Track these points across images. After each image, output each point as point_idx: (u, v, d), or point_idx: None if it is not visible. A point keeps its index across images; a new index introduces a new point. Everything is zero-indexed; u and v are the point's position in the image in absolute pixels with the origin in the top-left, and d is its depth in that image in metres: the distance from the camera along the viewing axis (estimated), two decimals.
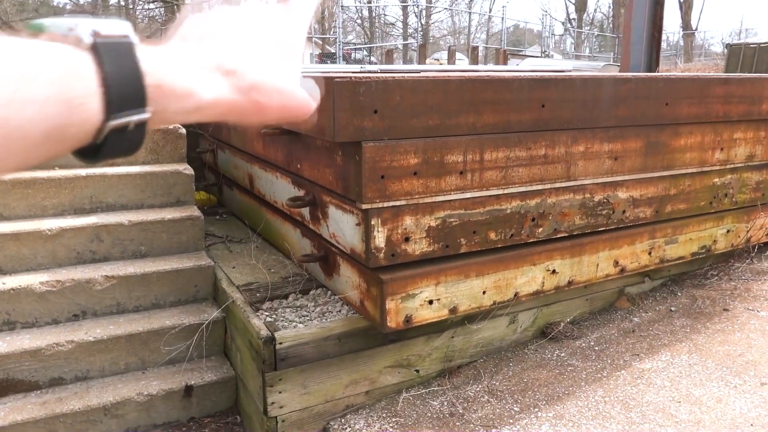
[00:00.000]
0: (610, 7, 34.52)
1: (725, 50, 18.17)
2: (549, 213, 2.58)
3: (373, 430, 2.30)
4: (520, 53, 21.93)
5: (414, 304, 2.28)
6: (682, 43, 31.90)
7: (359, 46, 28.39)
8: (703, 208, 3.16)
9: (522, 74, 2.47)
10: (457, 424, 2.30)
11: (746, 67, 14.45)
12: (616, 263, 2.86)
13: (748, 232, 3.45)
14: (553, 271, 2.65)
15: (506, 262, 2.50)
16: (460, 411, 2.37)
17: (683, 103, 2.84)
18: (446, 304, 2.37)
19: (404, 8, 31.63)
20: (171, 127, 3.35)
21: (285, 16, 0.59)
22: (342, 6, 23.74)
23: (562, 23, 36.86)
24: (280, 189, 3.00)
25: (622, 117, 2.66)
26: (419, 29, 28.11)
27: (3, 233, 2.76)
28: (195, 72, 0.50)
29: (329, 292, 2.65)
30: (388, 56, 20.13)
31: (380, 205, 2.15)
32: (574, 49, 30.87)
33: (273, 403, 2.28)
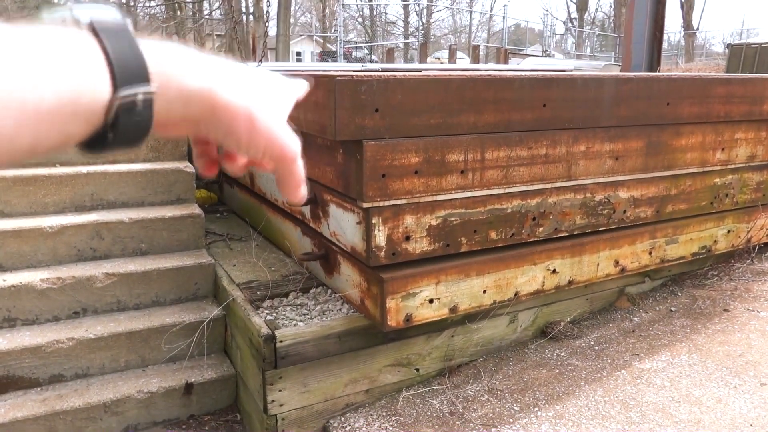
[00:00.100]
0: (611, 6, 34.49)
1: (726, 50, 18.16)
2: (550, 212, 2.58)
3: (372, 428, 2.31)
4: (521, 52, 21.92)
5: (414, 303, 2.29)
6: (683, 42, 31.90)
7: (360, 45, 28.37)
8: (703, 208, 3.16)
9: (523, 74, 2.47)
10: (457, 423, 2.30)
11: (747, 67, 14.44)
12: (617, 263, 2.86)
13: (748, 232, 3.45)
14: (554, 271, 2.65)
15: (507, 262, 2.50)
16: (460, 410, 2.37)
17: (684, 103, 2.83)
18: (446, 303, 2.37)
19: (405, 7, 31.62)
20: None
21: (285, 81, 0.62)
22: (343, 4, 23.72)
23: (564, 22, 36.84)
24: None
25: (624, 117, 2.66)
26: (420, 28, 28.10)
27: (4, 230, 2.76)
28: (193, 61, 0.51)
29: (329, 291, 2.65)
30: (389, 55, 20.14)
31: (381, 203, 2.15)
32: (576, 48, 30.84)
33: (273, 401, 2.28)
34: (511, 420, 2.30)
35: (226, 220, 3.80)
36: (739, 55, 14.93)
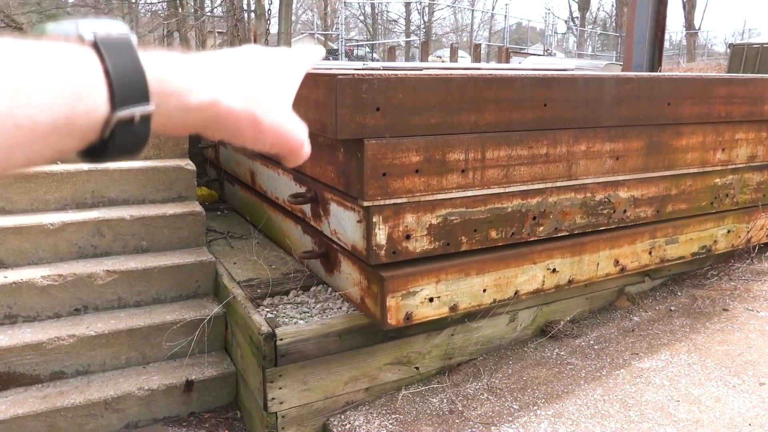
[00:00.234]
0: (613, 5, 34.45)
1: (728, 50, 18.14)
2: (550, 212, 2.58)
3: (372, 426, 2.31)
4: (523, 51, 21.90)
5: (414, 301, 2.29)
6: (685, 42, 31.85)
7: (361, 43, 28.35)
8: (704, 208, 3.16)
9: (524, 73, 2.48)
10: (457, 421, 2.30)
11: (749, 67, 14.42)
12: (617, 262, 2.87)
13: (748, 232, 3.46)
14: (554, 270, 2.65)
15: (507, 261, 2.50)
16: (460, 408, 2.38)
17: (685, 103, 2.84)
18: (446, 302, 2.38)
19: (407, 5, 31.59)
20: None
21: (291, 60, 0.61)
22: (345, 2, 23.69)
23: (565, 21, 36.82)
24: (282, 185, 3.00)
25: (624, 116, 2.66)
26: (422, 26, 28.08)
27: (5, 227, 2.77)
28: (195, 72, 0.51)
29: (330, 289, 2.65)
30: (391, 53, 20.13)
31: (382, 202, 2.15)
32: (577, 47, 30.81)
33: (273, 398, 2.29)
34: (510, 418, 2.31)
35: (226, 218, 3.81)
36: (741, 55, 14.90)
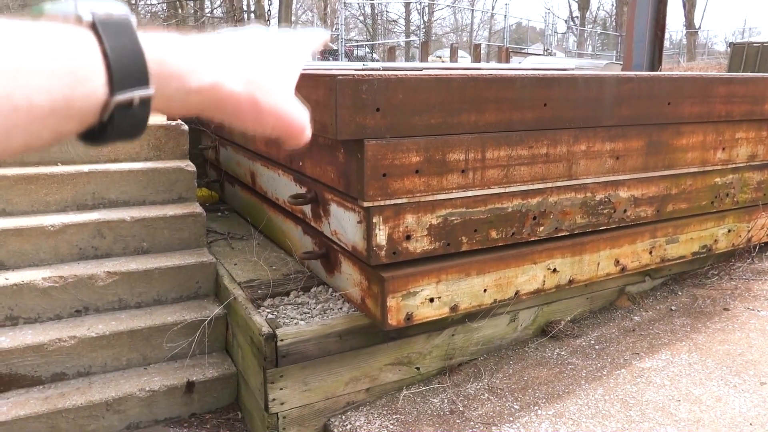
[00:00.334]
0: (613, 5, 34.45)
1: (728, 49, 18.13)
2: (550, 212, 2.58)
3: (373, 427, 2.31)
4: (523, 51, 21.90)
5: (415, 302, 2.29)
6: (685, 41, 31.85)
7: (361, 44, 28.35)
8: (704, 207, 3.16)
9: (524, 73, 2.48)
10: (458, 421, 2.30)
11: (749, 66, 14.42)
12: (617, 262, 2.87)
13: (749, 231, 3.46)
14: (554, 270, 2.65)
15: (507, 261, 2.50)
16: (461, 408, 2.38)
17: (685, 102, 2.84)
18: (447, 302, 2.38)
19: (407, 5, 31.60)
20: (173, 123, 3.36)
21: (294, 42, 0.61)
22: (344, 3, 23.70)
23: (565, 21, 36.82)
24: (282, 186, 3.00)
25: (625, 116, 2.66)
26: (422, 26, 28.07)
27: (6, 229, 2.77)
28: (196, 54, 0.50)
29: (330, 290, 2.65)
30: (391, 53, 20.13)
31: (382, 203, 2.16)
32: (577, 47, 30.81)
33: (274, 399, 2.29)
34: (511, 419, 2.31)
35: (227, 219, 3.81)
36: (741, 54, 14.91)
